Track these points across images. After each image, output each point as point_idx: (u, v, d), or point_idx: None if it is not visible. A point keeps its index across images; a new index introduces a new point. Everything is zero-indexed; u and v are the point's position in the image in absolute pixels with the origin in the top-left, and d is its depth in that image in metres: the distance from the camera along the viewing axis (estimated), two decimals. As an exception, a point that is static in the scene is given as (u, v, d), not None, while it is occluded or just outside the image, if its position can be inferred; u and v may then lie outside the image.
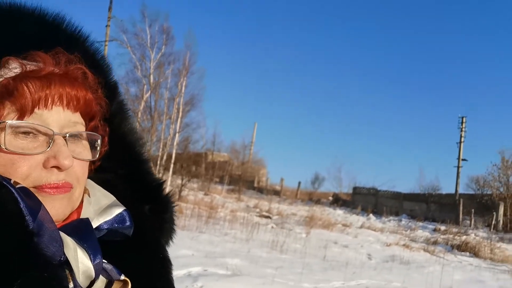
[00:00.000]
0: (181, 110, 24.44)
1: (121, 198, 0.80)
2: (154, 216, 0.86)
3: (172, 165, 23.43)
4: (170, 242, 0.90)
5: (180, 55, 25.48)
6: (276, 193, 37.91)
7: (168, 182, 21.91)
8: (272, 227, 15.83)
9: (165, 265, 0.85)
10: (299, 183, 41.38)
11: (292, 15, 78.49)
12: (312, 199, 37.81)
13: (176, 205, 0.93)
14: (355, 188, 38.12)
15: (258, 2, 77.47)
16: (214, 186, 32.61)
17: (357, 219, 24.81)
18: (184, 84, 24.76)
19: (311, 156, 73.57)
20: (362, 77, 74.42)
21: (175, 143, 24.11)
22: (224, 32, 73.00)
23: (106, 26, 22.00)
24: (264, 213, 20.20)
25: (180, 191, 21.74)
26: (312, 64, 77.15)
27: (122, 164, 0.85)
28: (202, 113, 47.78)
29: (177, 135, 24.15)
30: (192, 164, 30.60)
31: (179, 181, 23.36)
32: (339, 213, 27.70)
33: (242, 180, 35.66)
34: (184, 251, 8.36)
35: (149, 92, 24.22)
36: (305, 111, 75.96)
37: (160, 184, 0.90)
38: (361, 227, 20.67)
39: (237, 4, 76.16)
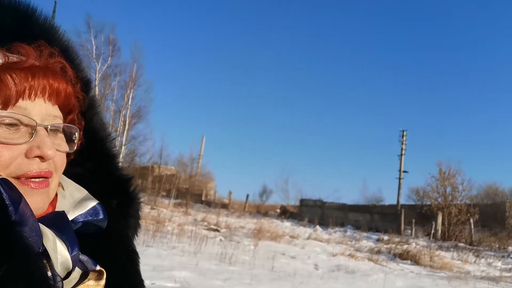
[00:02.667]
0: (127, 122, 24.04)
1: (90, 191, 0.82)
2: (120, 210, 0.88)
3: (117, 179, 22.90)
4: (136, 236, 0.93)
5: (127, 66, 25.15)
6: (224, 206, 37.79)
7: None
8: (221, 239, 15.77)
9: (134, 257, 0.88)
10: (247, 196, 41.47)
11: (235, 25, 79.25)
12: (260, 211, 38.00)
13: (141, 201, 0.95)
14: (302, 200, 38.73)
15: (206, 13, 77.64)
16: (161, 200, 32.05)
17: (304, 230, 25.14)
18: (131, 96, 24.44)
19: (259, 169, 74.11)
20: (306, 89, 76.09)
21: (121, 156, 23.61)
22: (171, 43, 72.50)
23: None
24: (212, 226, 20.08)
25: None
26: (257, 74, 78.09)
27: (91, 158, 0.87)
28: (149, 125, 47.33)
29: (123, 148, 23.68)
30: (139, 177, 30.00)
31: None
32: (286, 225, 27.96)
33: (190, 193, 35.30)
34: (130, 265, 8.18)
35: (94, 104, 23.64)
36: (253, 123, 76.52)
37: (128, 179, 0.92)
38: (308, 238, 20.97)
39: (185, 15, 75.96)
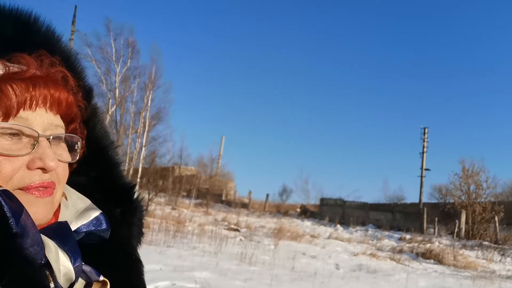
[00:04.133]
0: (147, 124, 24.24)
1: (93, 200, 0.81)
2: (124, 219, 0.87)
3: (138, 180, 23.14)
4: (139, 244, 0.92)
5: (146, 68, 25.36)
6: (244, 206, 37.86)
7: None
8: (241, 239, 15.79)
9: (138, 266, 0.87)
10: (267, 195, 41.43)
11: (258, 29, 79.27)
12: (280, 211, 37.95)
13: (145, 209, 0.94)
14: (322, 200, 38.51)
15: (224, 14, 77.95)
16: (181, 200, 32.30)
17: (324, 230, 25.02)
18: (150, 97, 24.63)
19: (279, 168, 73.99)
20: (326, 88, 75.64)
21: (141, 157, 23.85)
22: (189, 44, 72.99)
23: (70, 39, 21.70)
24: (233, 226, 20.12)
25: (147, 206, 21.43)
26: (278, 76, 78.02)
27: (95, 167, 0.86)
28: (169, 126, 47.60)
29: (143, 149, 23.93)
30: (159, 178, 30.27)
31: (146, 196, 23.05)
32: (307, 225, 27.86)
33: (210, 193, 35.49)
34: (151, 265, 8.24)
35: (115, 106, 23.92)
36: (272, 123, 76.51)
37: (131, 187, 0.91)
38: (329, 237, 20.86)
39: (204, 17, 76.42)
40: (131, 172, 23.05)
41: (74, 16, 21.96)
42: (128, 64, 24.59)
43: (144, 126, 24.17)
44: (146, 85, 24.92)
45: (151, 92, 24.70)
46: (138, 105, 24.95)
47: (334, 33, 75.39)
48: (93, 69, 23.95)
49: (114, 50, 24.25)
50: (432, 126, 66.89)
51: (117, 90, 23.93)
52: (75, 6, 21.99)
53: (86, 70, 0.87)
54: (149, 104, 24.48)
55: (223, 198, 40.70)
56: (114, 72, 24.15)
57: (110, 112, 23.56)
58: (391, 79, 71.78)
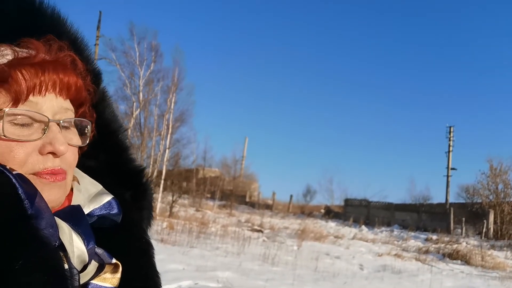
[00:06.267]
0: (171, 126, 24.46)
1: (103, 184, 0.82)
2: (135, 202, 0.88)
3: (162, 182, 23.37)
4: (149, 227, 0.92)
5: (169, 71, 25.61)
6: (268, 207, 37.85)
7: (159, 199, 21.83)
8: (264, 240, 15.80)
9: (149, 248, 0.87)
10: (291, 196, 41.33)
11: (282, 29, 79.27)
12: (304, 212, 37.81)
13: (153, 192, 0.95)
14: (346, 200, 38.21)
15: (247, 15, 78.21)
16: (205, 202, 32.51)
17: (349, 230, 24.81)
18: (173, 100, 24.84)
19: (303, 169, 73.75)
20: (351, 88, 75.05)
21: (165, 159, 24.09)
22: (212, 46, 73.45)
23: (95, 45, 22.10)
24: (256, 227, 20.15)
25: (171, 208, 21.65)
26: (301, 76, 77.82)
27: (104, 150, 0.87)
28: (192, 128, 48.06)
29: (167, 151, 24.14)
30: (183, 180, 30.48)
31: (170, 198, 23.27)
32: (331, 225, 27.69)
33: (234, 195, 35.59)
34: (174, 265, 8.34)
35: (139, 109, 24.25)
36: (295, 123, 76.30)
37: (141, 170, 0.91)
38: (353, 238, 20.68)
39: (226, 18, 76.82)
40: (155, 174, 23.31)
41: (99, 21, 22.34)
42: (151, 68, 24.89)
43: (168, 128, 24.40)
44: (169, 87, 25.17)
45: (174, 94, 24.94)
46: (162, 107, 25.23)
47: (362, 32, 74.83)
48: (118, 73, 24.34)
49: (137, 54, 24.59)
50: (458, 124, 65.70)
51: (140, 94, 24.24)
52: (100, 12, 22.37)
53: (92, 53, 0.88)
54: (172, 107, 24.71)
55: (247, 199, 40.75)
56: (138, 75, 24.48)
57: (134, 115, 23.89)
58: (417, 77, 70.80)
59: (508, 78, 64.41)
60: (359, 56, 74.58)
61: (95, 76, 0.84)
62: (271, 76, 78.64)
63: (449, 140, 36.91)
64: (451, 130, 37.10)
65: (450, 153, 36.76)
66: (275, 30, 78.44)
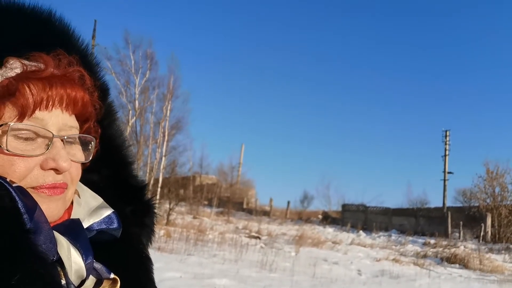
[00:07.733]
0: (167, 133, 24.48)
1: (105, 198, 0.81)
2: (135, 218, 0.87)
3: (159, 189, 23.34)
4: (150, 243, 0.91)
5: (165, 79, 25.66)
6: (266, 213, 37.78)
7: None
8: (261, 247, 15.75)
9: (148, 264, 0.86)
10: (288, 202, 41.24)
11: (276, 35, 79.53)
12: (302, 218, 37.71)
13: (157, 211, 0.93)
14: (344, 206, 38.16)
15: (242, 21, 78.44)
16: (202, 209, 32.41)
17: (347, 236, 24.76)
18: (169, 108, 24.89)
19: (300, 175, 73.61)
20: (346, 93, 75.18)
21: (162, 167, 24.06)
22: (207, 53, 73.53)
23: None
24: (254, 234, 20.09)
25: (168, 215, 21.57)
26: (297, 82, 77.93)
27: (107, 165, 0.86)
28: (188, 136, 48.15)
29: (163, 159, 24.14)
30: (180, 187, 30.43)
31: (167, 205, 23.21)
32: (329, 231, 27.63)
33: (231, 202, 35.54)
34: (171, 273, 8.29)
35: (135, 117, 24.26)
36: (292, 129, 76.29)
37: (142, 187, 0.90)
38: (351, 243, 20.64)
39: (221, 25, 76.98)
40: (151, 182, 23.25)
41: (94, 30, 22.34)
42: (147, 76, 24.95)
43: (164, 136, 24.41)
44: (165, 95, 25.24)
45: (170, 102, 24.99)
46: (158, 115, 25.27)
47: (357, 36, 75.09)
48: (113, 81, 24.34)
49: (133, 62, 24.64)
50: (454, 128, 65.91)
51: (136, 102, 24.27)
52: (95, 21, 22.37)
53: (102, 68, 0.87)
54: (168, 114, 24.76)
55: (244, 206, 40.67)
56: (133, 83, 24.52)
57: (130, 123, 23.87)
58: (412, 82, 71.05)
59: (504, 82, 64.78)
60: (355, 61, 74.72)
61: (102, 92, 0.83)
62: (267, 82, 78.81)
63: (445, 144, 37.00)
64: (447, 134, 37.21)
65: (447, 157, 36.85)
66: (270, 36, 78.69)
